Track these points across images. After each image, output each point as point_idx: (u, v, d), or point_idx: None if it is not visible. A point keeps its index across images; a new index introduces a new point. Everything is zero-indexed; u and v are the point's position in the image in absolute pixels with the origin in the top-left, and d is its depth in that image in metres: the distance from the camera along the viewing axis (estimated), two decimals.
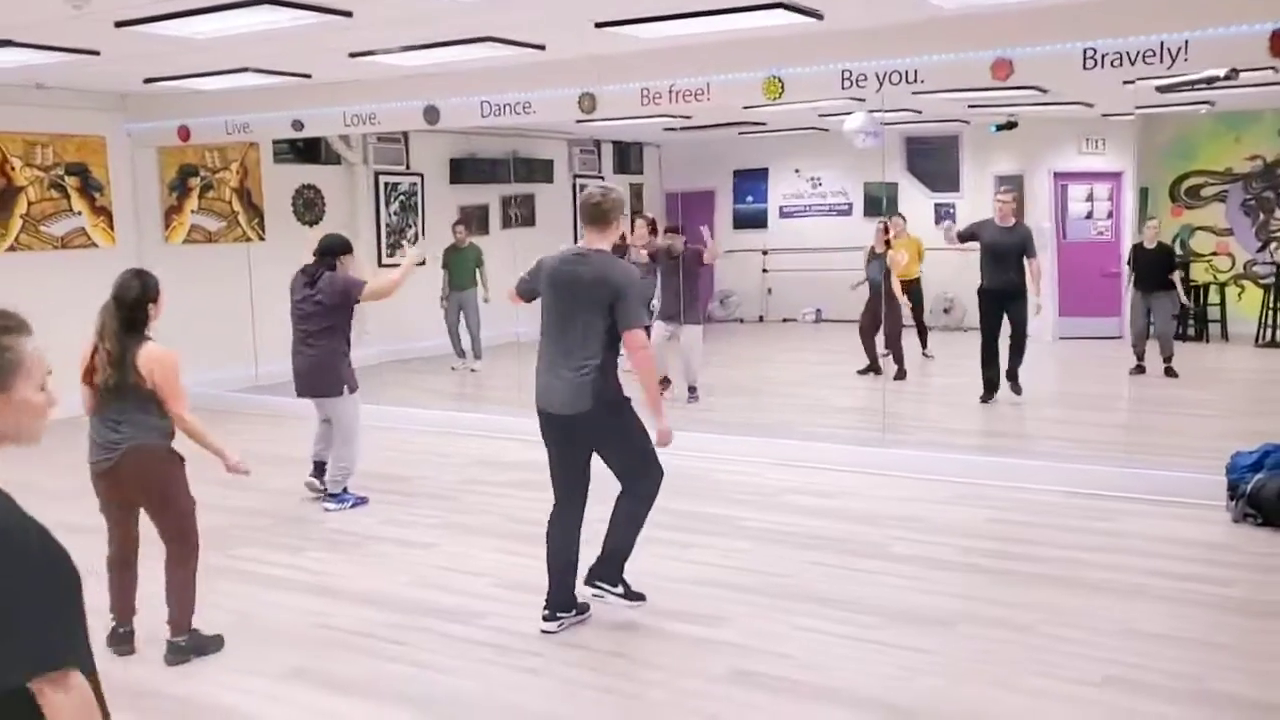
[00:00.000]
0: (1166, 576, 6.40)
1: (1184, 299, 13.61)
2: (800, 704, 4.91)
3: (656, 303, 12.09)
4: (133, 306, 5.41)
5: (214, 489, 7.85)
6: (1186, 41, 7.41)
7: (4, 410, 2.25)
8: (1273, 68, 7.62)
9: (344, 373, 8.19)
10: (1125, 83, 9.03)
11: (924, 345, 14.71)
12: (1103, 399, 10.87)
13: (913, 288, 14.31)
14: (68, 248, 12.06)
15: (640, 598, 5.91)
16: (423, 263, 8.76)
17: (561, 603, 5.78)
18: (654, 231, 12.99)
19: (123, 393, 5.34)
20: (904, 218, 15.08)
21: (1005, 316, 11.43)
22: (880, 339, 13.25)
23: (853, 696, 4.95)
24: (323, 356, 8.14)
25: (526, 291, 5.86)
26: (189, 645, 5.52)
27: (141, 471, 5.42)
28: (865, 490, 8.50)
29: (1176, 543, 7.05)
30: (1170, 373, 12.83)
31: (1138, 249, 13.26)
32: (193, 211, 13.43)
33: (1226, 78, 8.50)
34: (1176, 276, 13.23)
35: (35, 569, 2.12)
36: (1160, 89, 10.40)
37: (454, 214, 15.49)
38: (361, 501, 8.28)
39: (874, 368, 13.39)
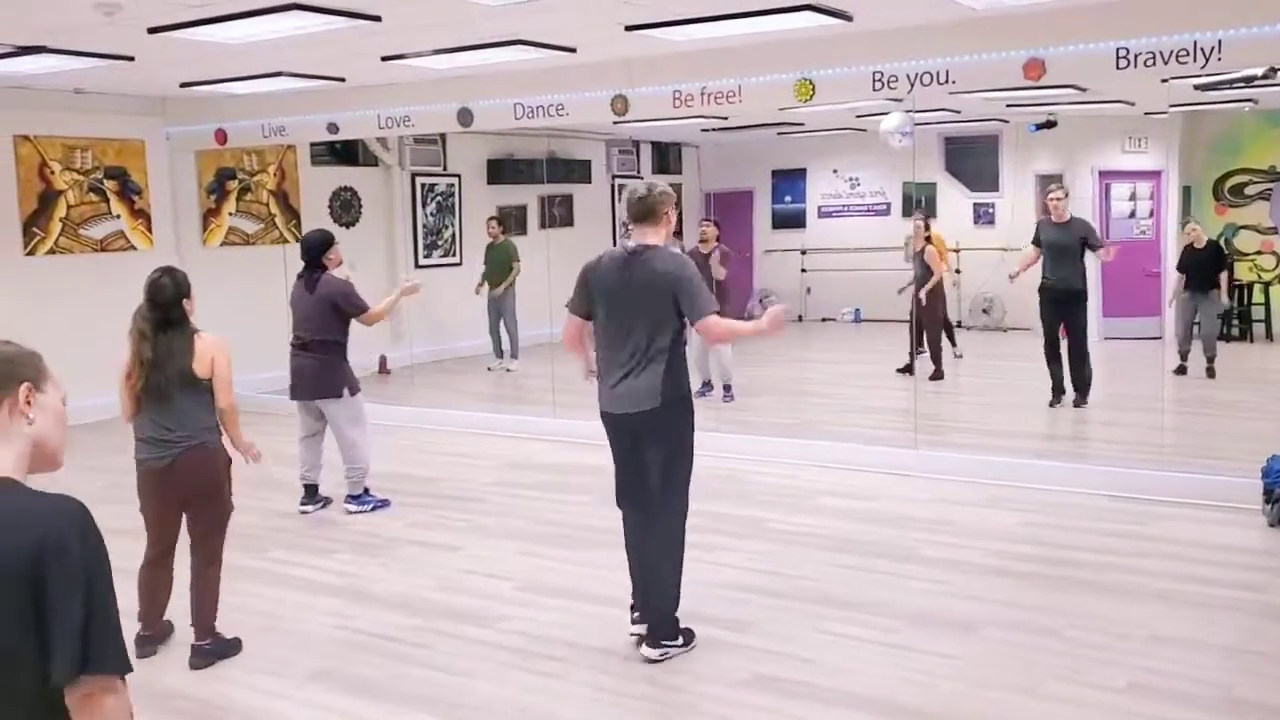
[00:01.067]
0: (1198, 581, 6.33)
1: (1225, 300, 13.39)
2: (819, 709, 4.89)
3: None
4: (168, 306, 5.49)
5: (245, 489, 7.90)
6: (1220, 41, 7.32)
7: (40, 410, 2.26)
8: None
9: (345, 374, 8.13)
10: (1162, 81, 8.95)
11: (953, 344, 14.57)
12: (1142, 400, 10.73)
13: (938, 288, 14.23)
14: (107, 250, 12.19)
15: (693, 635, 5.61)
16: (415, 290, 8.70)
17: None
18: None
19: (172, 390, 5.42)
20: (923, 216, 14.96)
21: (1063, 323, 11.20)
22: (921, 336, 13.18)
23: (873, 702, 4.93)
24: (323, 359, 8.07)
25: (581, 307, 5.57)
26: (214, 649, 5.57)
27: (199, 469, 5.49)
28: (898, 492, 8.45)
29: (1210, 547, 6.97)
30: (1211, 373, 12.70)
31: (1189, 249, 13.10)
32: (230, 214, 13.56)
33: (1264, 77, 8.44)
34: (1223, 276, 13.08)
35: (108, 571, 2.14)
36: (1199, 87, 10.33)
37: (493, 214, 15.53)
38: (383, 504, 8.28)
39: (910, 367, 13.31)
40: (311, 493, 8.35)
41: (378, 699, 5.12)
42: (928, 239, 13.39)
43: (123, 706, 2.14)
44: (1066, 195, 11.46)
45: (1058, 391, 11.30)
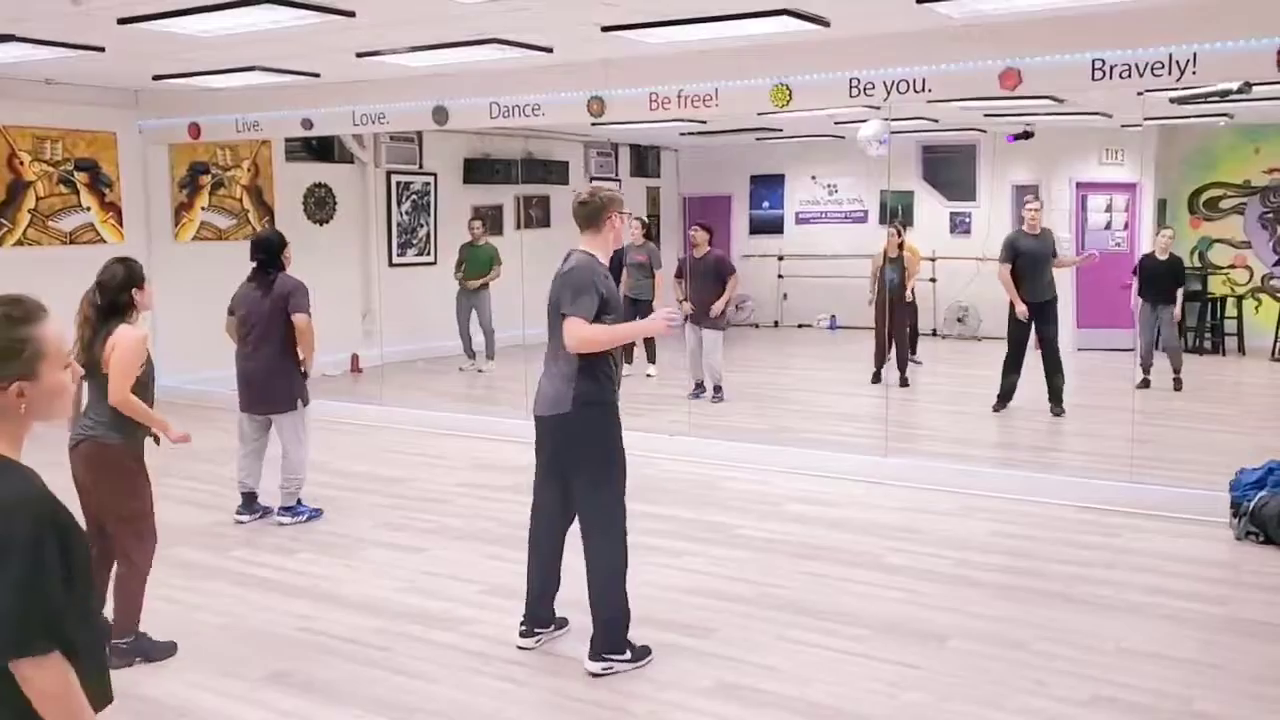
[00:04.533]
0: (1165, 594, 6.32)
1: (1178, 314, 13.13)
2: (781, 718, 4.84)
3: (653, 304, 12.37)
4: (116, 291, 5.39)
5: (212, 488, 7.84)
6: (1195, 54, 7.35)
7: (35, 395, 2.38)
8: None
9: (297, 384, 7.91)
10: (1138, 94, 8.97)
11: (913, 351, 14.59)
12: (1113, 411, 10.74)
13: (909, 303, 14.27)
14: (76, 243, 12.09)
15: (648, 652, 5.46)
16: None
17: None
18: (648, 235, 13.37)
19: (88, 378, 5.31)
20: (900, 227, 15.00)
21: (1035, 333, 11.22)
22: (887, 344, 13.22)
23: (836, 712, 4.89)
24: (273, 366, 7.83)
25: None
26: (130, 649, 5.42)
27: (88, 463, 5.37)
28: (868, 500, 8.44)
29: (1178, 560, 6.96)
30: (1178, 384, 12.70)
31: (1148, 259, 13.08)
32: (203, 209, 13.46)
33: (1239, 91, 8.45)
34: (1179, 292, 12.95)
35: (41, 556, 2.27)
36: (1175, 100, 10.35)
37: (467, 214, 15.45)
38: (316, 514, 8.02)
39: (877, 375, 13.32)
40: (249, 501, 8.06)
41: (335, 702, 5.05)
42: (901, 245, 13.39)
43: (49, 684, 2.25)
44: (1042, 206, 11.55)
45: (1004, 399, 11.50)
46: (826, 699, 5.02)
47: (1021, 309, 11.13)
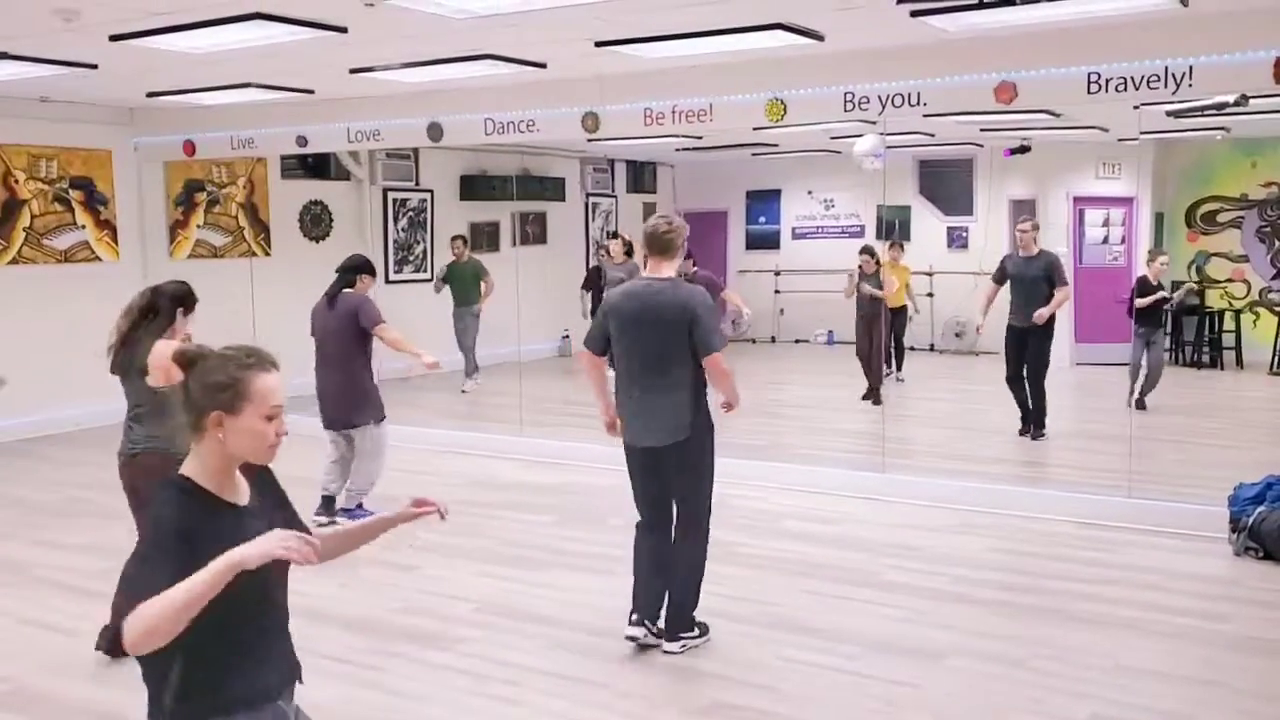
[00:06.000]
0: (1163, 610, 6.28)
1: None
2: None
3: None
4: (173, 298, 5.78)
5: None
6: (1191, 67, 7.33)
7: (232, 431, 2.72)
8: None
9: (371, 401, 8.17)
10: (1134, 107, 8.95)
11: (898, 368, 14.56)
12: (1111, 427, 10.70)
13: (897, 317, 14.25)
14: (71, 261, 12.04)
15: (707, 628, 5.92)
16: (435, 367, 8.41)
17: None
18: (630, 253, 13.36)
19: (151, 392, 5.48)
20: (902, 247, 15.01)
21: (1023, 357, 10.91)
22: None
23: None
24: (346, 383, 8.08)
25: (599, 342, 5.81)
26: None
27: (156, 474, 5.39)
28: (866, 516, 8.40)
29: (1176, 576, 6.92)
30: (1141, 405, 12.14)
31: (1145, 281, 12.61)
32: (198, 226, 13.42)
33: (1236, 104, 8.43)
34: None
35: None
36: (1171, 114, 10.33)
37: (464, 231, 15.41)
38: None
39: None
40: (328, 504, 8.30)
41: None
42: (878, 264, 13.32)
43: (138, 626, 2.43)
44: (1036, 228, 11.13)
45: (1026, 421, 11.11)
46: (823, 719, 4.97)
47: (979, 321, 11.16)
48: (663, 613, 5.78)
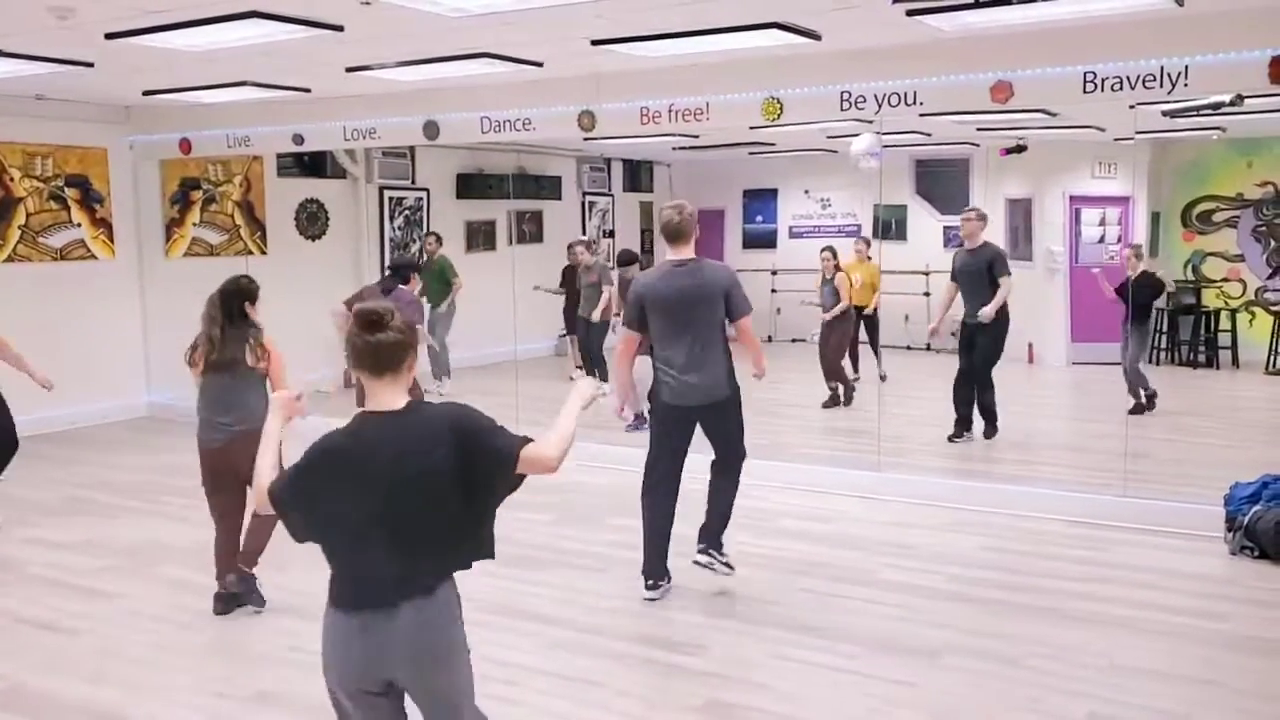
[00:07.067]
0: (1159, 609, 6.29)
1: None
2: None
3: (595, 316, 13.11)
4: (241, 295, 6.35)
5: (194, 504, 7.72)
6: (1186, 66, 7.34)
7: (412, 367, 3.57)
8: (1276, 94, 7.53)
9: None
10: (1130, 107, 8.95)
11: (878, 367, 14.50)
12: (1106, 425, 10.71)
13: (870, 320, 14.14)
14: (66, 259, 12.00)
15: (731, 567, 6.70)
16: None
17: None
18: (593, 251, 13.96)
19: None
20: (868, 241, 14.85)
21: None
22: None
23: None
24: None
25: (639, 323, 6.45)
26: (249, 583, 6.41)
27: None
28: (861, 515, 8.40)
29: (1172, 575, 6.93)
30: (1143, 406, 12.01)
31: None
32: (194, 224, 13.39)
33: (1232, 103, 8.42)
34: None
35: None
36: (1167, 114, 10.32)
37: (460, 229, 15.40)
38: None
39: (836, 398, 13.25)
40: None
41: None
42: (837, 267, 13.26)
43: (562, 446, 3.63)
44: (981, 218, 10.79)
45: (960, 425, 10.86)
46: (818, 717, 4.98)
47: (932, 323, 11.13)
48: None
